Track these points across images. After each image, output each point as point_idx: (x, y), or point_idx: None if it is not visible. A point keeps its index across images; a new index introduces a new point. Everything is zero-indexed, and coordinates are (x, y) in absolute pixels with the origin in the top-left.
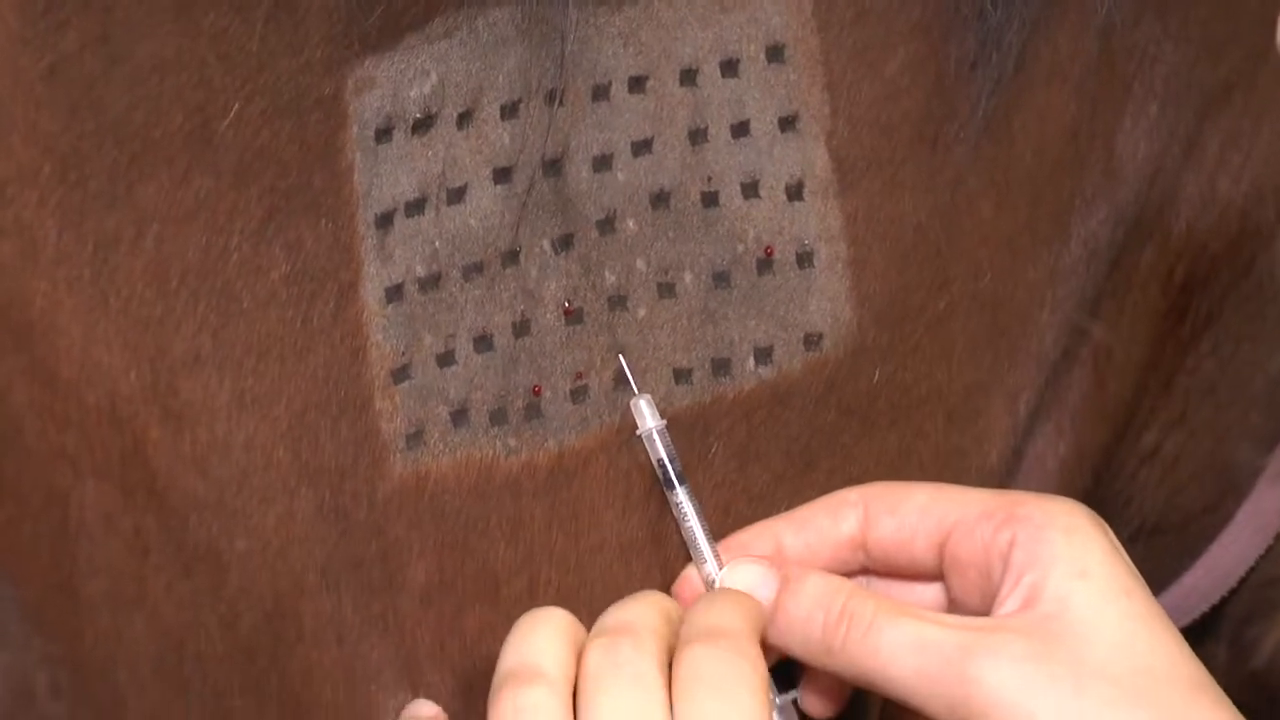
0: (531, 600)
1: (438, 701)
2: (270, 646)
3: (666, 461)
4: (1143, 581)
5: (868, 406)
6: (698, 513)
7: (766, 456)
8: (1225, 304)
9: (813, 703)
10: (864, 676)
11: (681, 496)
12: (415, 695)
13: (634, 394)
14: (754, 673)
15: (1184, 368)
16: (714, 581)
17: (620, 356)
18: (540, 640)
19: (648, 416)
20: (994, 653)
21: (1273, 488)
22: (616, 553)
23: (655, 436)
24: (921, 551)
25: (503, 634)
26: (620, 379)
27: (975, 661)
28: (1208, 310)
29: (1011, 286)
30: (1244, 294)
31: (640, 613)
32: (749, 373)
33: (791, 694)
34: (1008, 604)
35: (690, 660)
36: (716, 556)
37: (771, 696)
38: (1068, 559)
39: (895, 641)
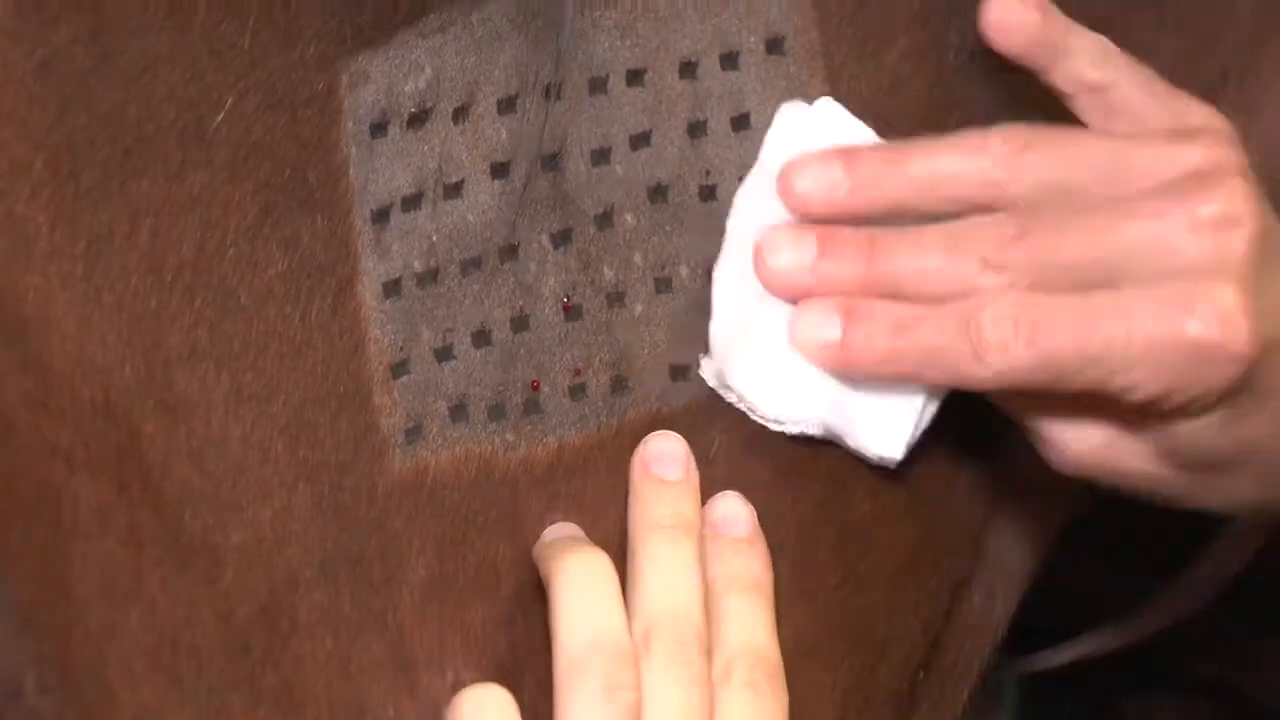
0: (534, 593)
1: (436, 697)
2: (265, 640)
3: None
4: None
5: None
6: None
7: (770, 449)
8: None
9: None
10: None
11: None
12: (412, 691)
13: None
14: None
15: None
16: None
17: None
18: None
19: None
20: None
21: None
22: (619, 551)
23: None
24: None
25: (505, 627)
26: (617, 385)
27: None
28: None
29: None
30: None
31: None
32: None
33: None
34: None
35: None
36: None
37: None
38: None
39: None
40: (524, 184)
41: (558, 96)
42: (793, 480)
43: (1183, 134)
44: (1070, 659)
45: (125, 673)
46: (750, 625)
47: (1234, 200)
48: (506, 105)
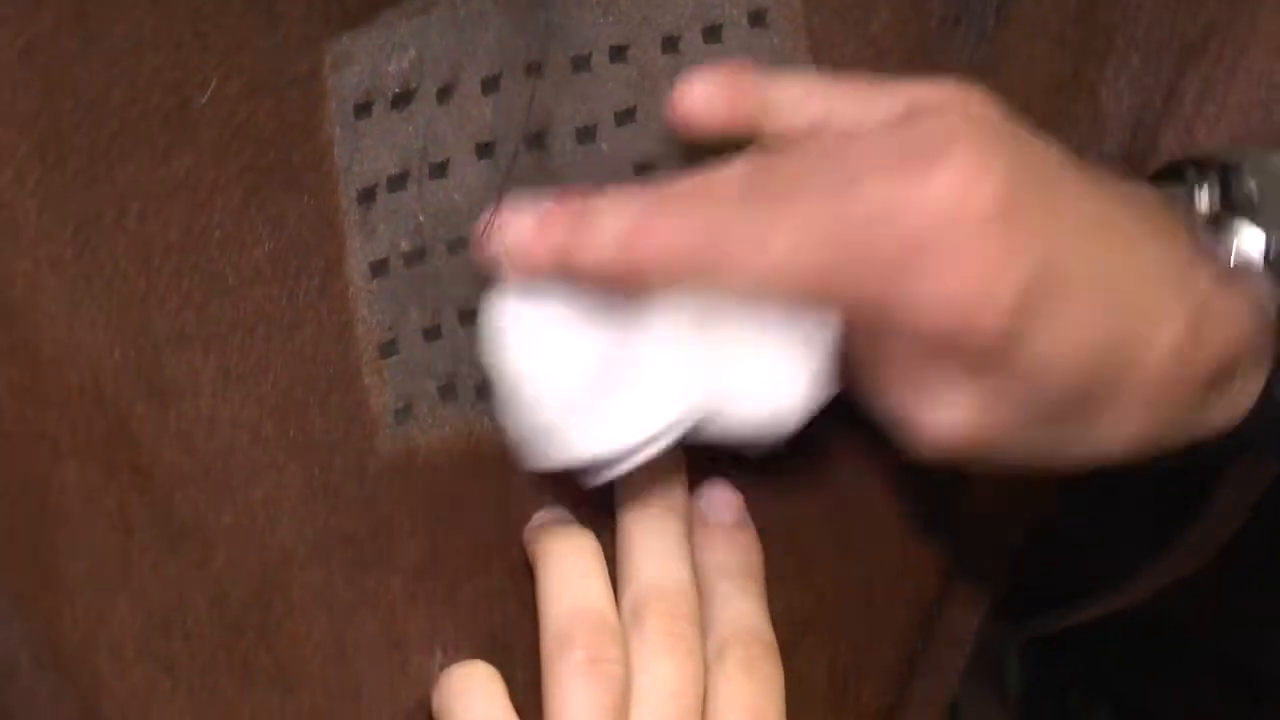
0: (524, 572)
1: (428, 675)
2: (258, 621)
3: None
4: None
5: None
6: None
7: None
8: None
9: None
10: None
11: None
12: (404, 670)
13: None
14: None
15: None
16: None
17: None
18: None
19: None
20: None
21: None
22: (607, 529)
23: None
24: None
25: (496, 605)
26: None
27: None
28: None
29: None
30: None
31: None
32: None
33: None
34: None
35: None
36: None
37: None
38: None
39: None
40: (509, 163)
41: (540, 75)
42: (779, 458)
43: (906, 120)
44: (1071, 623)
45: (114, 658)
46: (743, 607)
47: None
48: (490, 84)
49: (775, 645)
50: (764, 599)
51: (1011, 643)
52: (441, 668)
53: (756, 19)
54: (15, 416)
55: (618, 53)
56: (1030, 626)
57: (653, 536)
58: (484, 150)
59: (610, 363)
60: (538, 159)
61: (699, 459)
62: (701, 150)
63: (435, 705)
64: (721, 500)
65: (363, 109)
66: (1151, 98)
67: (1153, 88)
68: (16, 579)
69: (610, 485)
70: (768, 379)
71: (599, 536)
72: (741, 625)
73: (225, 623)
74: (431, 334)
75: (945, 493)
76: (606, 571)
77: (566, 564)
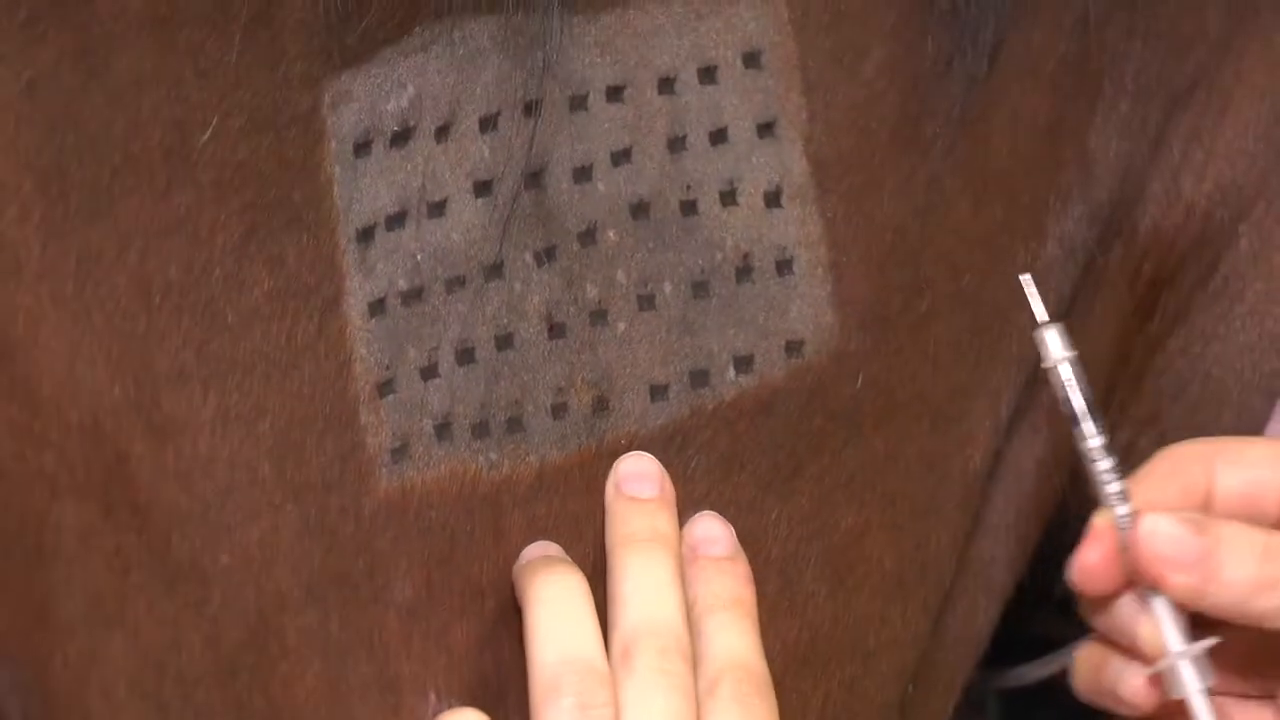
0: (516, 613)
1: (423, 717)
2: (253, 663)
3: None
4: None
5: (853, 411)
6: (1109, 453)
7: (752, 465)
8: (1193, 302)
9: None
10: None
11: (1094, 438)
12: (398, 713)
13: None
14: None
15: (1153, 367)
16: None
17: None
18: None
19: (1058, 346)
20: None
21: None
22: (598, 569)
23: (1068, 367)
24: (1274, 507)
25: (488, 647)
26: (598, 404)
27: None
28: (1175, 309)
29: (991, 287)
30: (1211, 293)
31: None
32: (729, 382)
33: (1209, 641)
34: None
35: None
36: (1127, 499)
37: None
38: None
39: None
40: (509, 202)
41: (538, 114)
42: (775, 496)
43: None
44: (1050, 673)
45: (106, 699)
46: (735, 640)
47: None
48: (488, 123)
49: (769, 679)
50: (757, 632)
51: (992, 689)
52: (434, 712)
53: (750, 60)
54: (13, 455)
55: (614, 93)
56: (1011, 675)
57: (643, 571)
58: (482, 189)
59: None
60: (535, 198)
61: (689, 492)
62: None
63: None
64: (713, 533)
65: (362, 148)
66: (1139, 144)
67: (1140, 134)
68: (9, 618)
69: (601, 520)
70: None
71: (589, 570)
72: (734, 658)
73: (220, 664)
74: (428, 373)
75: (941, 538)
76: (594, 611)
77: (555, 607)
